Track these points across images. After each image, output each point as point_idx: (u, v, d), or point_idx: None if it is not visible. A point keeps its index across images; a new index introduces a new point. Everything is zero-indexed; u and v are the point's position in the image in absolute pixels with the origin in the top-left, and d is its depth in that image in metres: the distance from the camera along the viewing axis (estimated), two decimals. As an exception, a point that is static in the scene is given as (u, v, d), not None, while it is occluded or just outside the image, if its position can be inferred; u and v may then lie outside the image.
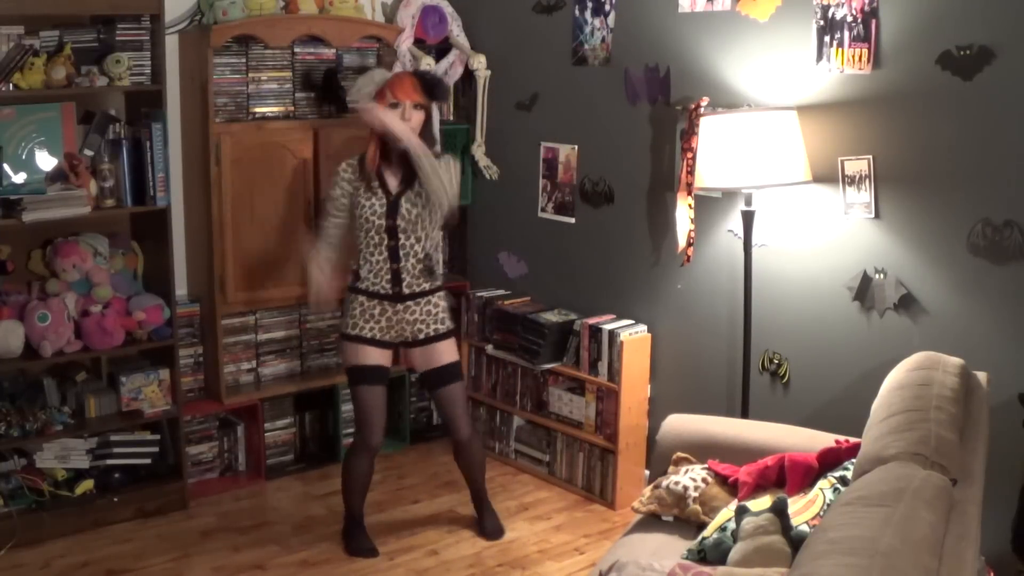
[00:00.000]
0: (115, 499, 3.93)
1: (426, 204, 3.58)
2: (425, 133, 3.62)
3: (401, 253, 3.60)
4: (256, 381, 4.48)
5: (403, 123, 3.53)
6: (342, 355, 3.82)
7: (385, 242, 3.59)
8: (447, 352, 3.72)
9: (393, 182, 3.61)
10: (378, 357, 3.69)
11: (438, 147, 3.71)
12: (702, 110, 3.67)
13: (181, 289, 4.30)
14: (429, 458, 4.69)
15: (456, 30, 4.71)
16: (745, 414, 3.66)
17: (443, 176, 3.51)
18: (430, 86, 3.66)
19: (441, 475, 4.50)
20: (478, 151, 4.79)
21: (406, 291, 3.62)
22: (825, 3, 3.43)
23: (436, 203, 3.54)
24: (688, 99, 3.84)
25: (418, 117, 3.58)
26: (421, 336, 3.67)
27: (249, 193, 4.21)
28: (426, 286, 3.66)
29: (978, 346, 3.13)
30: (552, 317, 4.35)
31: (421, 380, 3.88)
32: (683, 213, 3.76)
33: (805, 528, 2.35)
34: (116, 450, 4.00)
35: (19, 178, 3.75)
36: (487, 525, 3.92)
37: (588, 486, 4.28)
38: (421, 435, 4.89)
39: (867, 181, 3.39)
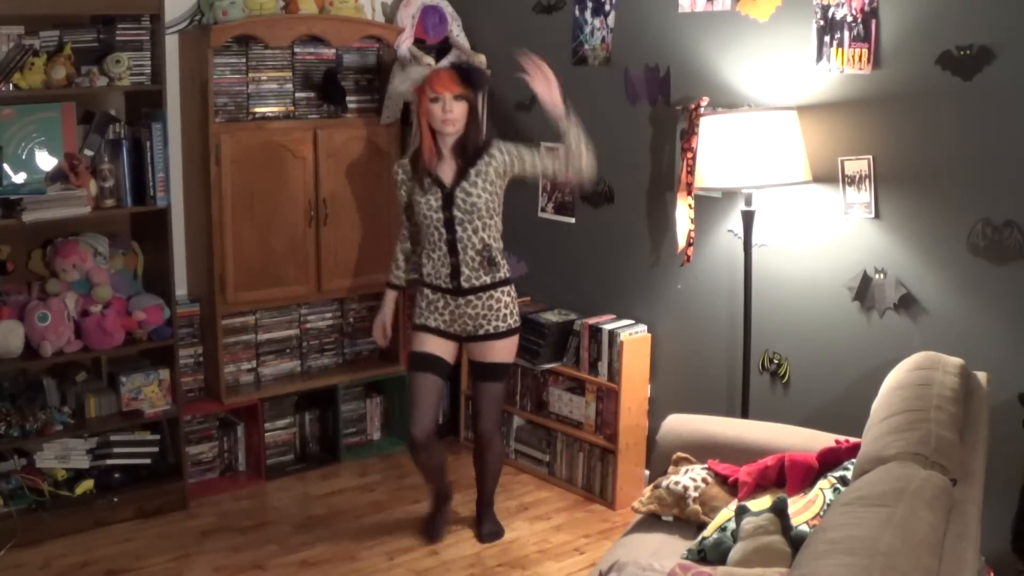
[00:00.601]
0: (115, 499, 3.93)
1: (483, 190, 3.58)
2: (471, 124, 3.60)
3: (459, 246, 3.60)
4: (256, 381, 4.48)
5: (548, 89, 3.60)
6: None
7: (444, 236, 3.60)
8: (499, 351, 3.71)
9: (448, 174, 3.60)
10: (438, 347, 3.71)
11: (484, 136, 3.74)
12: (702, 110, 3.67)
13: (181, 289, 4.30)
14: (429, 458, 4.69)
15: (456, 30, 4.71)
16: (745, 414, 3.66)
17: (583, 145, 3.60)
18: (468, 75, 3.62)
19: (441, 475, 4.50)
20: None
21: (465, 285, 3.63)
22: (825, 3, 3.43)
23: (573, 171, 3.62)
24: (688, 99, 3.84)
25: (460, 108, 3.55)
26: (480, 332, 3.68)
27: (249, 193, 4.21)
28: (486, 280, 3.63)
29: (978, 346, 3.13)
30: (552, 317, 4.36)
31: (469, 368, 3.90)
32: (683, 213, 3.76)
33: (805, 528, 2.35)
34: (116, 450, 4.00)
35: (19, 178, 3.75)
36: (483, 529, 3.91)
37: (588, 486, 4.28)
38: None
39: (867, 181, 3.39)
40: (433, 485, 3.90)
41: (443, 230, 3.59)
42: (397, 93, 3.75)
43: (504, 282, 3.69)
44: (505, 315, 3.69)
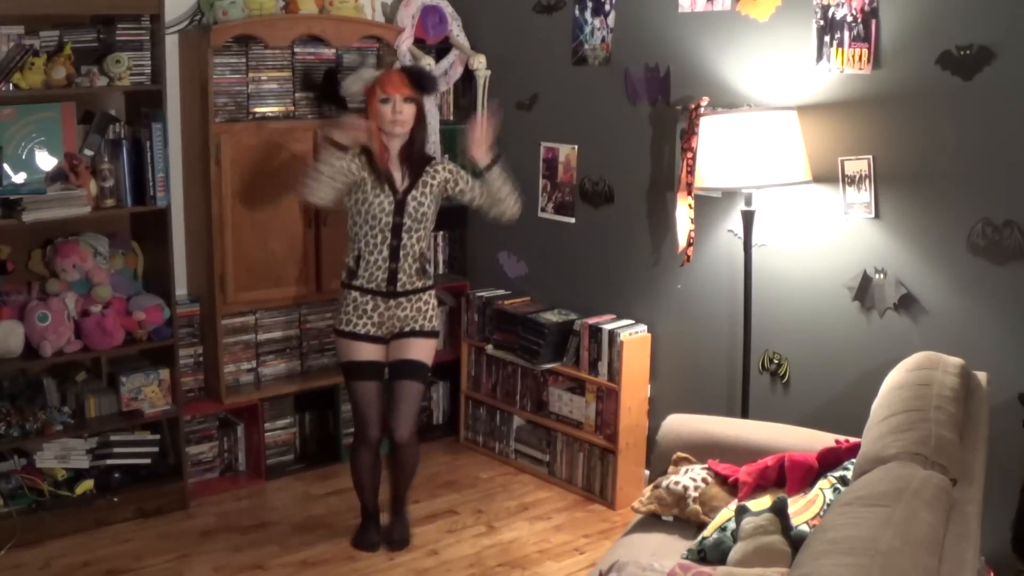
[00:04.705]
0: (115, 499, 3.93)
1: (432, 201, 3.67)
2: (418, 128, 3.68)
3: (401, 253, 3.65)
4: (256, 381, 4.48)
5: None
6: (338, 351, 3.83)
7: (388, 240, 3.63)
8: (420, 350, 3.73)
9: (399, 179, 3.65)
10: (372, 352, 3.71)
11: (435, 145, 3.75)
12: (702, 110, 3.67)
13: (181, 289, 4.30)
14: (429, 458, 4.69)
15: (456, 30, 4.71)
16: (745, 414, 3.66)
17: (506, 191, 3.69)
18: (418, 79, 3.70)
19: (441, 475, 4.50)
20: (478, 151, 4.79)
21: (400, 290, 3.68)
22: (825, 3, 3.43)
23: (496, 212, 3.73)
24: (688, 99, 3.84)
25: (409, 110, 3.62)
26: (407, 329, 3.72)
27: (249, 193, 4.21)
28: (419, 284, 3.71)
29: (978, 346, 3.13)
30: (552, 317, 4.35)
31: (389, 367, 3.80)
32: (683, 213, 3.76)
33: (805, 528, 2.35)
34: (116, 450, 4.00)
35: (19, 178, 3.75)
36: (394, 533, 3.85)
37: (588, 486, 4.28)
38: (420, 435, 4.85)
39: (867, 181, 3.39)
40: (363, 496, 3.84)
41: (389, 234, 3.62)
42: (349, 94, 3.79)
43: (431, 287, 3.78)
44: (431, 316, 3.76)
